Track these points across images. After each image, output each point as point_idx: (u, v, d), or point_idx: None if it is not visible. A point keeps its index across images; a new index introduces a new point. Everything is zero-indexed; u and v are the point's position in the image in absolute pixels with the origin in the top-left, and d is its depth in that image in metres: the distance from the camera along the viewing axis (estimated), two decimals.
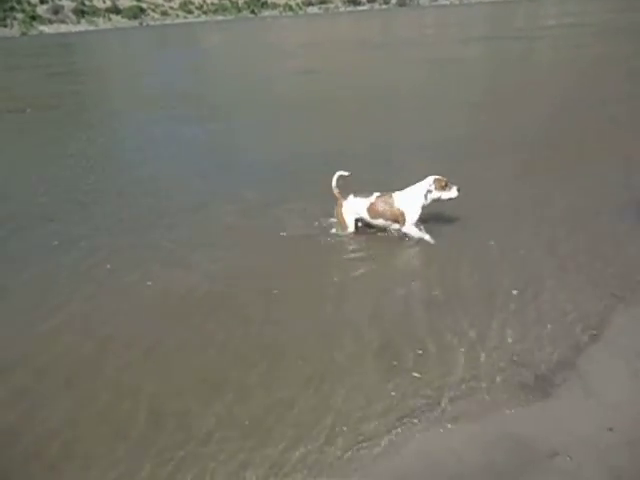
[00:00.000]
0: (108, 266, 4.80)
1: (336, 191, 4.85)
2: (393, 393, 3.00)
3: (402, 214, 4.65)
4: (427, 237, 4.75)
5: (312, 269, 4.52)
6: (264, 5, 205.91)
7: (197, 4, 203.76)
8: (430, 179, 4.65)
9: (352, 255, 4.72)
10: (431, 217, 5.00)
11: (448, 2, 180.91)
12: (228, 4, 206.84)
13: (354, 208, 4.82)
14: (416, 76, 15.57)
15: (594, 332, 3.39)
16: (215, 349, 3.54)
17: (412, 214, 4.65)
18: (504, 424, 2.74)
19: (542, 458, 2.54)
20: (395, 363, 3.23)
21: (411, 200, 4.65)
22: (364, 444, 2.66)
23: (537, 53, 18.99)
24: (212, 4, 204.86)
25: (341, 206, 4.84)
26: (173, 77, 20.56)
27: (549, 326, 3.48)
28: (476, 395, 2.94)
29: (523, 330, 3.46)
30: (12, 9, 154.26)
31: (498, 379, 3.05)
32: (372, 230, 5.02)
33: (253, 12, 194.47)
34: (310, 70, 18.57)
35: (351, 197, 4.82)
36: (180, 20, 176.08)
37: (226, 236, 5.28)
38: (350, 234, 4.89)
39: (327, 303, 3.95)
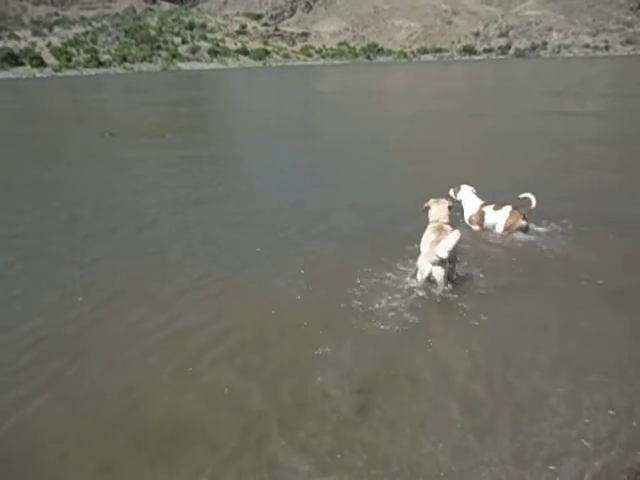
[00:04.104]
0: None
1: None
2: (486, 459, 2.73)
3: None
4: None
5: None
6: (379, 51, 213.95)
7: (317, 48, 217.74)
8: None
9: None
10: None
11: (571, 54, 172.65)
12: (345, 49, 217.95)
13: None
14: (528, 125, 14.88)
15: None
16: None
17: None
18: None
19: None
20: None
21: None
22: None
23: None
24: (331, 49, 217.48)
25: None
26: (301, 114, 21.74)
27: None
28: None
29: None
30: (159, 48, 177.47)
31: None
32: None
33: (368, 57, 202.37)
34: (432, 110, 18.54)
35: None
36: (300, 62, 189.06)
37: None
38: None
39: None
